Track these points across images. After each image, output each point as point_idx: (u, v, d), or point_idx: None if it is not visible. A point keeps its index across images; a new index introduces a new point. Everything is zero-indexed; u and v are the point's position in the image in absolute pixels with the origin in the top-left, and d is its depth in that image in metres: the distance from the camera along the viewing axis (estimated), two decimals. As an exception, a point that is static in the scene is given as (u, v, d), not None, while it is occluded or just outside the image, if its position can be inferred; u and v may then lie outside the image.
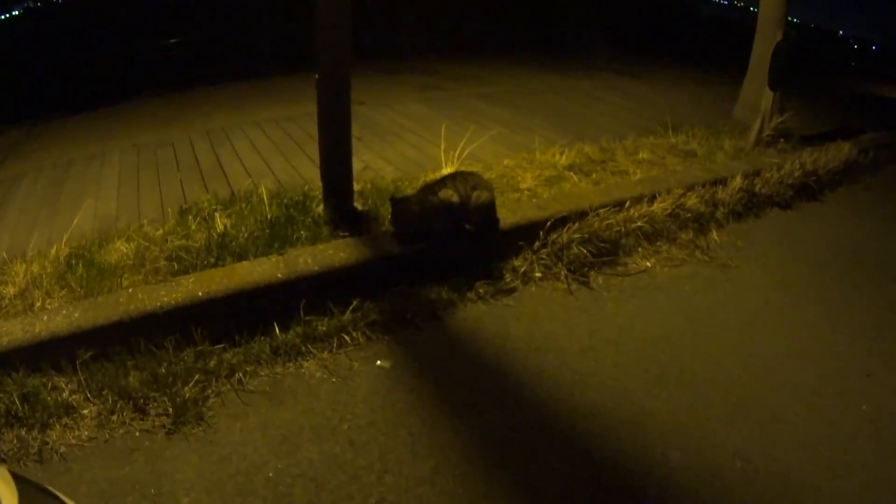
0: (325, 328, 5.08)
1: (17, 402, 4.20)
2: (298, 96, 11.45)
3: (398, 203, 5.71)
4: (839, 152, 9.57)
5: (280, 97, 11.90)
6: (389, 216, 5.84)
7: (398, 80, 14.01)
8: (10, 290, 5.01)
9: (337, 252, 5.46)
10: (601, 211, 6.61)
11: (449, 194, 5.73)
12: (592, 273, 6.26)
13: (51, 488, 2.33)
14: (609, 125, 10.30)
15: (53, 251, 5.56)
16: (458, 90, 12.87)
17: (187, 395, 4.39)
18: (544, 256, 6.21)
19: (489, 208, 5.96)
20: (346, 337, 5.07)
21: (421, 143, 9.01)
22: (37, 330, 4.49)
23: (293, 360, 4.87)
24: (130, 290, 4.85)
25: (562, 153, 7.97)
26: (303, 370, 4.80)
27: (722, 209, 7.63)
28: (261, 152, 8.83)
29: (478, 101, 11.76)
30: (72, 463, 3.95)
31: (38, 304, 4.82)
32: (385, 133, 9.60)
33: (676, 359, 5.10)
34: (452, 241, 5.89)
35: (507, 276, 6.01)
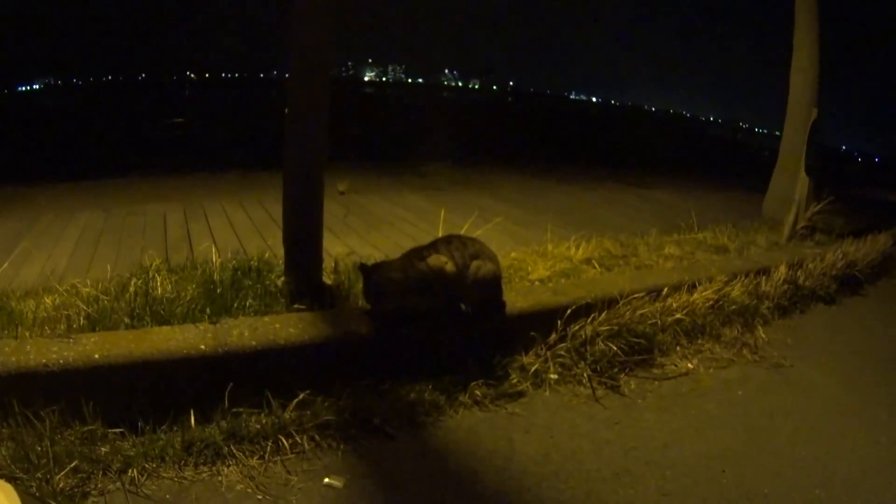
0: (257, 426, 3.96)
1: None
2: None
3: (373, 270, 4.60)
4: (876, 243, 8.86)
5: (270, 186, 10.74)
6: (363, 289, 4.70)
7: (400, 180, 13.55)
8: None
9: (285, 326, 4.34)
10: (633, 300, 5.46)
11: (441, 262, 4.55)
12: (623, 375, 5.10)
13: None
14: (626, 224, 9.53)
15: None
16: (462, 192, 12.10)
17: (61, 484, 3.38)
18: (562, 353, 5.02)
19: (492, 284, 4.77)
20: (286, 441, 3.91)
21: (416, 232, 8.22)
22: None
23: (209, 462, 3.73)
24: (18, 342, 3.93)
25: (577, 246, 6.85)
26: (220, 478, 3.64)
27: (767, 303, 6.62)
28: (236, 229, 8.36)
29: (482, 198, 11.16)
30: None
31: None
32: (378, 221, 8.99)
33: (740, 481, 3.98)
34: (443, 324, 4.71)
35: (514, 375, 4.79)
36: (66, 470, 3.41)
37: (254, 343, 4.09)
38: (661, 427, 4.51)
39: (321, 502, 3.50)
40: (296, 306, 4.68)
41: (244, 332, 4.16)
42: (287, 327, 4.29)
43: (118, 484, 3.48)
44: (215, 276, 5.06)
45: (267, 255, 5.75)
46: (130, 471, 3.54)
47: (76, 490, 3.38)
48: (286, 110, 4.82)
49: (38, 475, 3.37)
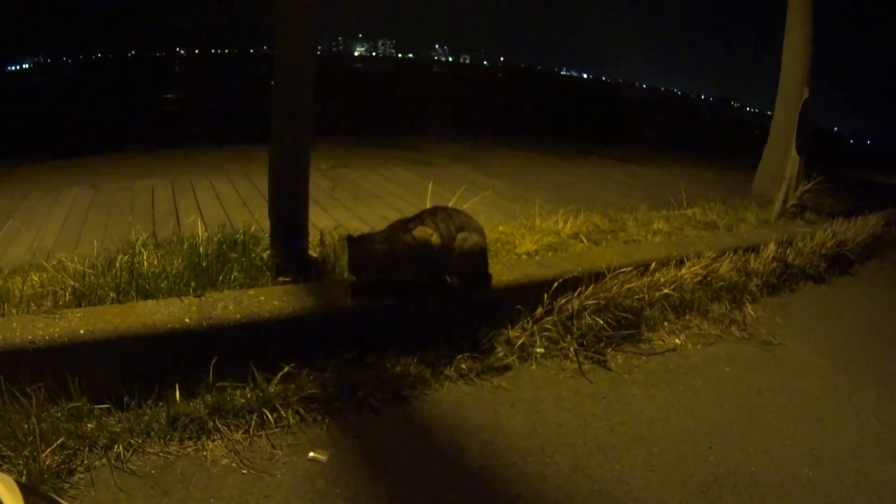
0: (242, 400, 3.90)
1: None
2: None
3: (358, 241, 4.49)
4: (866, 224, 8.87)
5: (258, 160, 10.80)
6: (347, 261, 4.60)
7: (389, 154, 13.54)
8: None
9: (269, 299, 4.28)
10: (620, 274, 5.43)
11: (427, 233, 4.52)
12: (610, 350, 5.07)
13: (57, 498, 2.21)
14: (615, 199, 9.48)
15: None
16: (451, 166, 12.04)
17: (47, 461, 3.32)
18: (549, 326, 4.98)
19: (478, 257, 4.76)
20: (271, 415, 3.85)
21: (404, 206, 8.14)
22: None
23: (194, 437, 3.69)
24: (4, 319, 3.86)
25: (565, 221, 6.83)
26: (205, 453, 3.60)
27: (756, 280, 6.63)
28: (223, 204, 8.27)
29: (471, 172, 11.14)
30: None
31: None
32: (366, 195, 8.91)
33: (727, 458, 3.97)
34: (428, 297, 4.66)
35: (500, 349, 4.75)
36: (52, 447, 3.36)
37: (238, 316, 4.04)
38: (648, 402, 4.49)
39: (306, 476, 3.47)
40: (281, 279, 4.62)
41: (229, 305, 4.11)
42: (272, 300, 4.24)
43: (104, 460, 3.43)
44: (201, 250, 4.98)
45: (253, 228, 5.69)
46: (116, 447, 3.49)
47: (62, 467, 3.34)
48: (272, 83, 4.79)
49: (25, 453, 3.33)
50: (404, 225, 4.53)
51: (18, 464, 3.29)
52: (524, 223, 6.69)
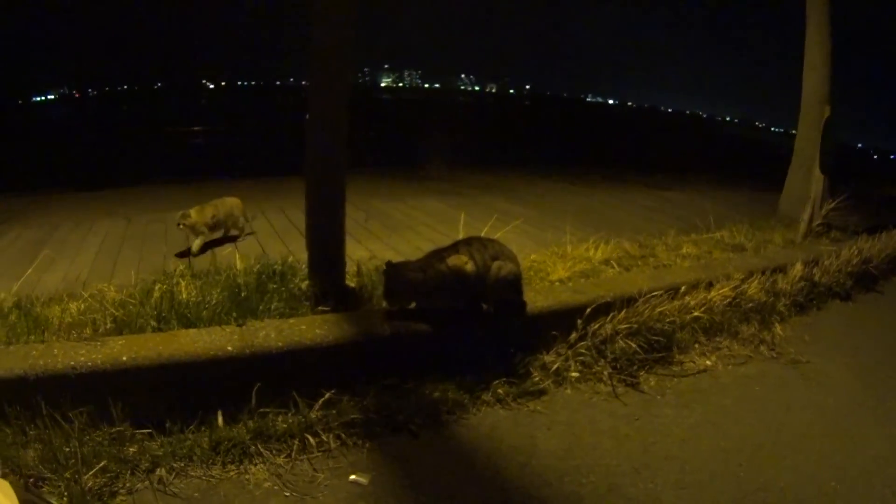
0: (284, 425, 3.95)
1: None
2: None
3: (394, 270, 4.56)
4: (891, 240, 8.76)
5: (291, 193, 10.76)
6: (384, 290, 4.67)
7: (419, 185, 13.57)
8: None
9: (311, 328, 4.33)
10: (652, 298, 5.42)
11: (462, 261, 4.55)
12: (643, 373, 5.08)
13: (50, 500, 2.39)
14: (644, 224, 9.50)
15: None
16: (481, 196, 11.99)
17: (89, 484, 3.37)
18: (583, 351, 5.00)
19: (513, 284, 4.74)
20: (312, 439, 3.90)
21: (436, 236, 8.14)
22: None
23: (236, 461, 3.74)
24: (46, 344, 3.95)
25: (596, 247, 6.78)
26: (247, 476, 3.65)
27: (784, 300, 6.58)
28: (258, 236, 8.26)
29: (501, 202, 11.06)
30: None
31: None
32: (398, 226, 8.91)
33: (757, 475, 3.97)
34: (464, 324, 4.70)
35: (536, 374, 4.76)
36: (94, 470, 3.41)
37: (280, 344, 4.10)
38: (680, 422, 4.50)
39: (347, 498, 3.50)
40: (320, 308, 4.68)
41: (270, 333, 4.17)
42: (313, 329, 4.29)
43: (146, 483, 3.49)
44: (240, 281, 5.04)
45: (291, 259, 5.70)
46: (158, 470, 3.55)
47: (104, 489, 3.38)
48: (307, 117, 4.81)
49: (67, 475, 3.37)
50: (439, 254, 4.59)
51: (59, 486, 3.33)
52: (556, 251, 6.67)
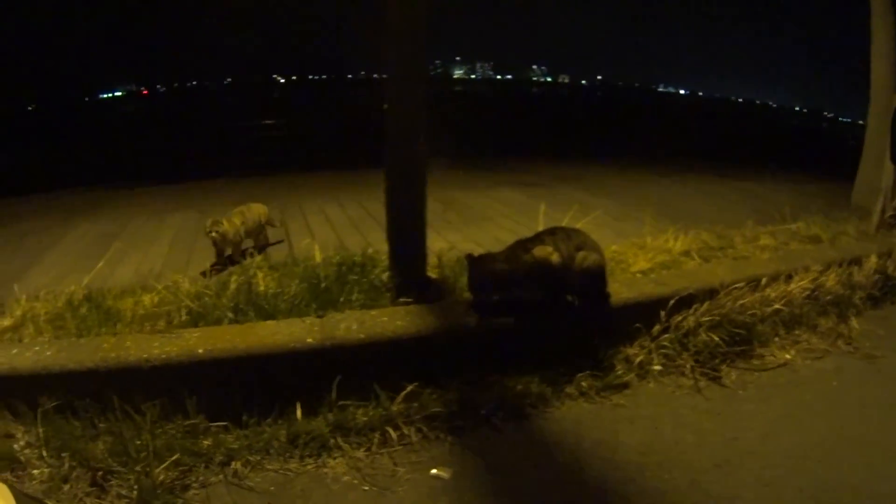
0: (365, 418, 3.86)
1: None
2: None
3: (478, 261, 4.45)
4: None
5: (366, 185, 10.77)
6: (468, 281, 4.55)
7: (495, 176, 13.35)
8: (6, 323, 4.38)
9: (393, 320, 4.22)
10: (733, 290, 5.28)
11: (547, 252, 4.37)
12: (724, 366, 4.88)
13: (47, 502, 2.41)
14: (719, 216, 9.12)
15: (67, 292, 4.85)
16: (557, 186, 11.79)
17: (160, 477, 3.36)
18: (666, 344, 4.83)
19: (598, 275, 4.58)
20: (393, 432, 3.81)
21: (516, 227, 7.97)
22: None
23: (315, 455, 3.67)
24: (117, 337, 3.99)
25: (676, 239, 6.59)
26: (325, 470, 3.58)
27: (860, 293, 6.36)
28: (335, 226, 8.30)
29: (579, 192, 10.86)
30: (-3, 530, 3.06)
31: (27, 340, 4.15)
32: (477, 217, 8.83)
33: (835, 471, 3.80)
34: (549, 315, 4.53)
35: (619, 367, 4.61)
36: (166, 463, 3.39)
37: (361, 336, 4.02)
38: (760, 417, 4.31)
39: (428, 493, 3.42)
40: (402, 300, 4.57)
41: (352, 325, 4.09)
42: (395, 320, 4.20)
43: (220, 476, 3.46)
44: (319, 272, 4.96)
45: (370, 250, 5.59)
46: (234, 463, 3.53)
47: (176, 483, 3.37)
48: (385, 109, 4.70)
49: (137, 468, 3.36)
50: (524, 245, 4.44)
51: (129, 479, 3.34)
52: (635, 242, 6.54)
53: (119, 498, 3.30)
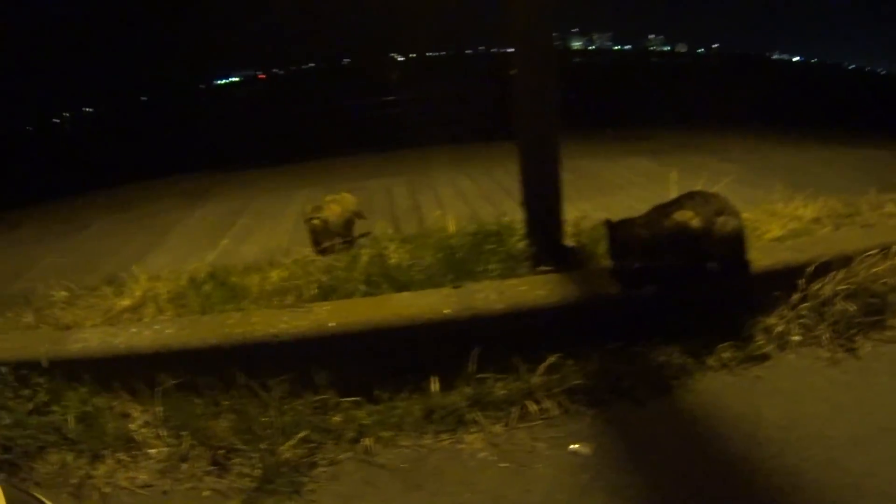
0: (503, 391, 3.71)
1: (72, 422, 3.63)
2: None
3: (619, 227, 4.22)
4: None
5: (492, 156, 10.85)
6: (608, 248, 4.35)
7: (620, 144, 13.27)
8: (125, 303, 4.49)
9: (533, 289, 4.05)
10: (866, 258, 4.95)
11: (687, 216, 4.15)
12: (859, 338, 4.55)
13: (43, 499, 2.23)
14: (843, 183, 8.77)
15: (190, 270, 5.00)
16: (684, 154, 11.55)
17: (286, 455, 3.35)
18: (804, 313, 4.53)
19: (737, 241, 4.32)
20: (533, 406, 3.65)
21: (648, 195, 7.43)
22: (116, 342, 3.81)
23: (451, 430, 3.58)
24: (243, 313, 4.01)
25: (805, 206, 6.34)
26: (461, 446, 3.48)
27: None
28: (466, 198, 8.22)
29: (707, 159, 10.51)
30: (111, 509, 3.18)
31: (147, 319, 4.21)
32: (607, 185, 8.67)
33: None
34: (690, 283, 4.34)
35: (759, 337, 4.34)
36: (293, 440, 3.37)
37: (500, 306, 3.88)
38: (895, 392, 4.06)
39: (568, 469, 3.27)
40: (541, 268, 4.42)
41: (490, 295, 3.96)
42: (534, 289, 4.04)
43: (350, 453, 3.42)
44: (453, 242, 4.90)
45: (505, 218, 5.47)
46: (365, 440, 3.48)
47: (303, 461, 3.33)
48: (514, 81, 4.62)
49: (262, 446, 3.36)
50: (664, 209, 4.24)
51: (253, 457, 3.34)
52: (766, 209, 6.31)
53: (241, 477, 3.28)
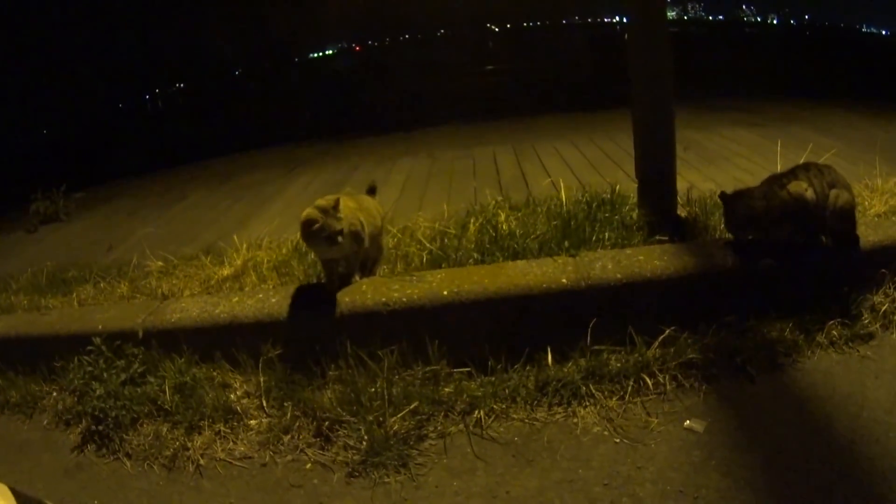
0: (619, 364, 3.62)
1: (168, 393, 3.67)
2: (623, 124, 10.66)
3: (735, 198, 4.08)
4: None
5: (597, 125, 10.79)
6: (724, 219, 4.23)
7: (721, 115, 12.85)
8: (225, 272, 4.59)
9: (649, 259, 3.94)
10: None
11: (802, 188, 3.98)
12: None
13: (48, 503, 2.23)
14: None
15: (293, 239, 5.00)
16: (786, 126, 11.09)
17: (394, 427, 3.32)
18: None
19: (849, 215, 4.13)
20: (648, 380, 3.57)
21: (753, 167, 7.63)
22: (217, 311, 3.85)
23: (564, 403, 3.49)
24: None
25: (902, 182, 6.19)
26: (575, 420, 3.40)
27: None
28: (572, 167, 8.00)
29: (809, 132, 10.08)
30: (207, 481, 3.27)
31: (248, 288, 4.29)
32: (713, 157, 8.46)
33: None
34: (805, 257, 4.17)
35: (866, 315, 4.13)
36: (402, 412, 3.33)
37: (618, 276, 3.78)
38: None
39: (681, 446, 3.19)
40: (657, 238, 4.36)
41: (607, 264, 3.86)
42: (651, 259, 3.93)
43: (460, 426, 3.36)
44: (565, 210, 4.82)
45: (617, 186, 5.40)
46: (476, 412, 3.40)
47: (412, 433, 3.29)
48: (629, 50, 4.64)
49: (369, 418, 3.31)
50: (779, 180, 4.08)
51: (359, 429, 3.29)
52: (867, 184, 6.07)
53: (346, 449, 3.25)
